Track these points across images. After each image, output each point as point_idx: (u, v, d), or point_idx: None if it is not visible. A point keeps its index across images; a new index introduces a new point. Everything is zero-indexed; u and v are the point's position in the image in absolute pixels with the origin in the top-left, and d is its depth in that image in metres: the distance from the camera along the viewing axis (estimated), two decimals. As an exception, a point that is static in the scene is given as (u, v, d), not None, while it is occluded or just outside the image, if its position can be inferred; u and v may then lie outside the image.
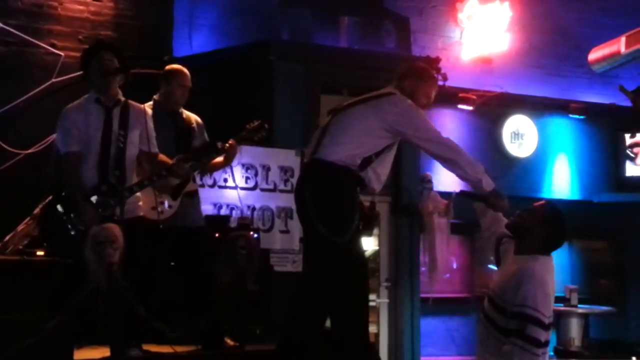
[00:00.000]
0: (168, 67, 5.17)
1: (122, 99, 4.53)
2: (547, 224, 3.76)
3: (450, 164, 4.09)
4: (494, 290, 3.82)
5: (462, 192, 4.25)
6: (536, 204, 3.89)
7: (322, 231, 3.93)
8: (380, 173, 4.15)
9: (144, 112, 4.56)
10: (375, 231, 8.38)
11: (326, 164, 4.02)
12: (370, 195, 4.26)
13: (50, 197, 4.60)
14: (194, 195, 4.96)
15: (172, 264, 5.00)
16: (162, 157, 4.57)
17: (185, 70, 5.06)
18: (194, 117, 5.13)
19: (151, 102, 4.96)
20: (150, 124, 4.56)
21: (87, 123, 4.45)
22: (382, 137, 4.08)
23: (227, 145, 4.85)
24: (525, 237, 3.77)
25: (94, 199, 4.38)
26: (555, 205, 3.91)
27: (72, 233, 4.36)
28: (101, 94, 4.50)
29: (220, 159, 4.94)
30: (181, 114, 5.05)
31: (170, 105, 4.98)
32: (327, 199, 3.98)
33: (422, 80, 4.25)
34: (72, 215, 4.38)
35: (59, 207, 4.42)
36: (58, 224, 4.39)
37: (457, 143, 4.16)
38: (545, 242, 3.77)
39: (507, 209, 4.04)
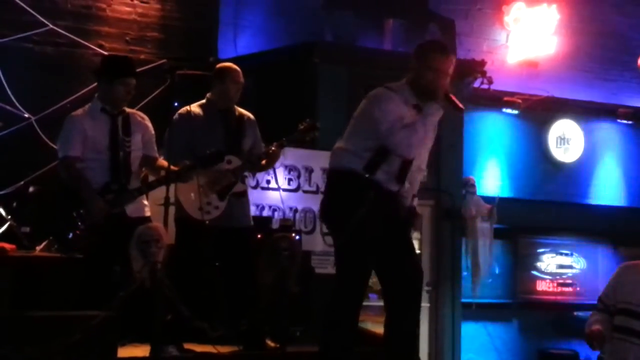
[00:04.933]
0: (220, 65, 5.19)
1: (126, 109, 4.81)
2: None
3: None
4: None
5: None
6: None
7: (333, 237, 4.14)
8: (410, 141, 4.04)
9: (144, 119, 4.87)
10: (417, 235, 8.34)
11: (335, 172, 4.16)
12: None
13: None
14: (242, 196, 4.96)
15: (217, 263, 5.02)
16: (161, 161, 4.78)
17: (238, 68, 5.09)
18: (246, 114, 5.10)
19: (204, 101, 5.00)
20: (152, 131, 4.84)
21: (95, 132, 4.69)
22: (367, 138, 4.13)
23: (270, 150, 4.87)
24: None
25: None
26: None
27: (78, 229, 4.50)
28: (111, 105, 4.75)
29: (263, 162, 4.97)
30: (234, 111, 5.06)
31: (223, 103, 5.00)
32: (329, 206, 4.15)
33: (420, 57, 4.18)
34: (76, 212, 4.52)
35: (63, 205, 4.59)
36: (64, 221, 4.54)
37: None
38: None
39: None
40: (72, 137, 4.67)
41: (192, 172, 4.64)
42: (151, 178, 4.87)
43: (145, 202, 4.80)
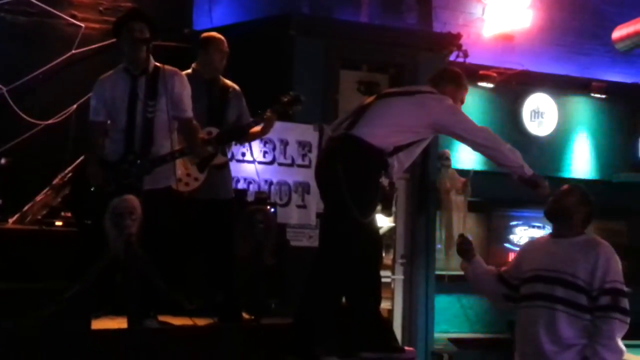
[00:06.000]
0: (205, 34, 5.13)
1: (153, 66, 4.50)
2: (585, 203, 4.12)
3: (493, 152, 4.27)
4: (553, 270, 3.97)
5: (519, 178, 4.31)
6: (565, 187, 4.17)
7: (351, 208, 3.96)
8: (403, 162, 4.27)
9: (175, 76, 4.51)
10: (392, 208, 8.38)
11: (362, 142, 4.06)
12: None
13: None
14: (222, 168, 4.91)
15: (195, 235, 5.01)
16: (195, 124, 4.56)
17: (222, 37, 5.04)
18: (231, 86, 5.05)
19: (189, 71, 4.93)
20: (180, 89, 4.49)
21: (114, 93, 4.48)
22: (421, 130, 4.22)
23: (265, 115, 4.84)
24: (568, 219, 4.08)
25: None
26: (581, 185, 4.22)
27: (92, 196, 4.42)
28: (130, 63, 4.51)
29: (257, 128, 4.94)
30: (218, 82, 5.00)
31: (209, 73, 4.95)
32: (359, 177, 4.04)
33: (460, 87, 4.44)
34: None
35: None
36: (82, 188, 4.46)
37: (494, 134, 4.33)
38: (586, 221, 4.10)
39: (548, 190, 4.23)
40: (94, 101, 4.53)
41: (206, 147, 4.55)
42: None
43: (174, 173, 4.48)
